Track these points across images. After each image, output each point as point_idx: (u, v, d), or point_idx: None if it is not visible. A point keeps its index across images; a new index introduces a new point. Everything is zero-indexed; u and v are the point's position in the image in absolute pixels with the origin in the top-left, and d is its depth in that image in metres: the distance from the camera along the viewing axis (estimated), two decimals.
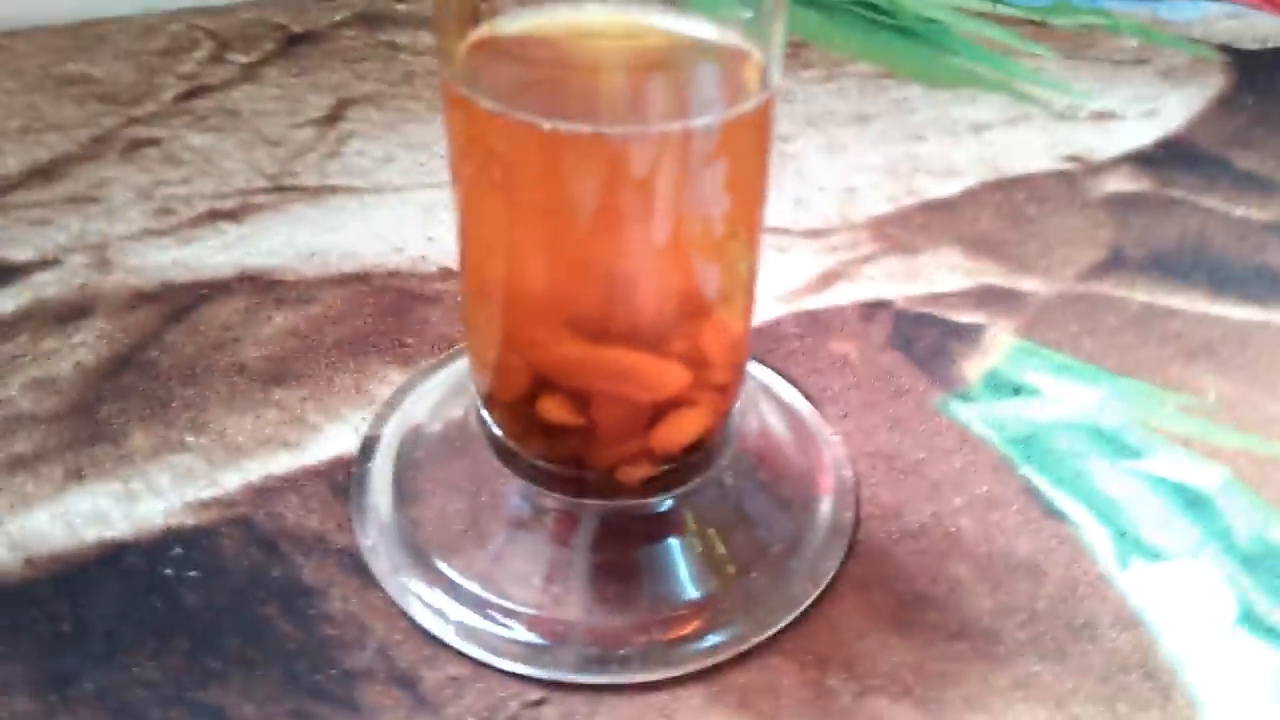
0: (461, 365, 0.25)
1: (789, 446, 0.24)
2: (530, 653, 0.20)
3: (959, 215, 0.33)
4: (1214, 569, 0.22)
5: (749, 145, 0.18)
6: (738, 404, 0.22)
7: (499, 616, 0.20)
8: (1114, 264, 0.31)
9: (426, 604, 0.20)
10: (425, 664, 0.20)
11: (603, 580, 0.21)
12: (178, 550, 0.21)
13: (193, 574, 0.21)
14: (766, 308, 0.29)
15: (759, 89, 0.18)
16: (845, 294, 0.29)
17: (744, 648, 0.20)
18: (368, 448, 0.23)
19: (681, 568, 0.21)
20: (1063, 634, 0.20)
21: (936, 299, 0.29)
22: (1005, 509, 0.23)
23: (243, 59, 0.37)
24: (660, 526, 0.21)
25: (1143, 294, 0.30)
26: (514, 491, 0.21)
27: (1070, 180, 0.35)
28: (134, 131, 0.33)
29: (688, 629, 0.20)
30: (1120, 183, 0.35)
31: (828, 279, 0.30)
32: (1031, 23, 0.46)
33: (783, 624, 0.20)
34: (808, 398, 0.26)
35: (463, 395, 0.24)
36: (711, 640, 0.20)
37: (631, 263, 0.18)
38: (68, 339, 0.26)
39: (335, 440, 0.24)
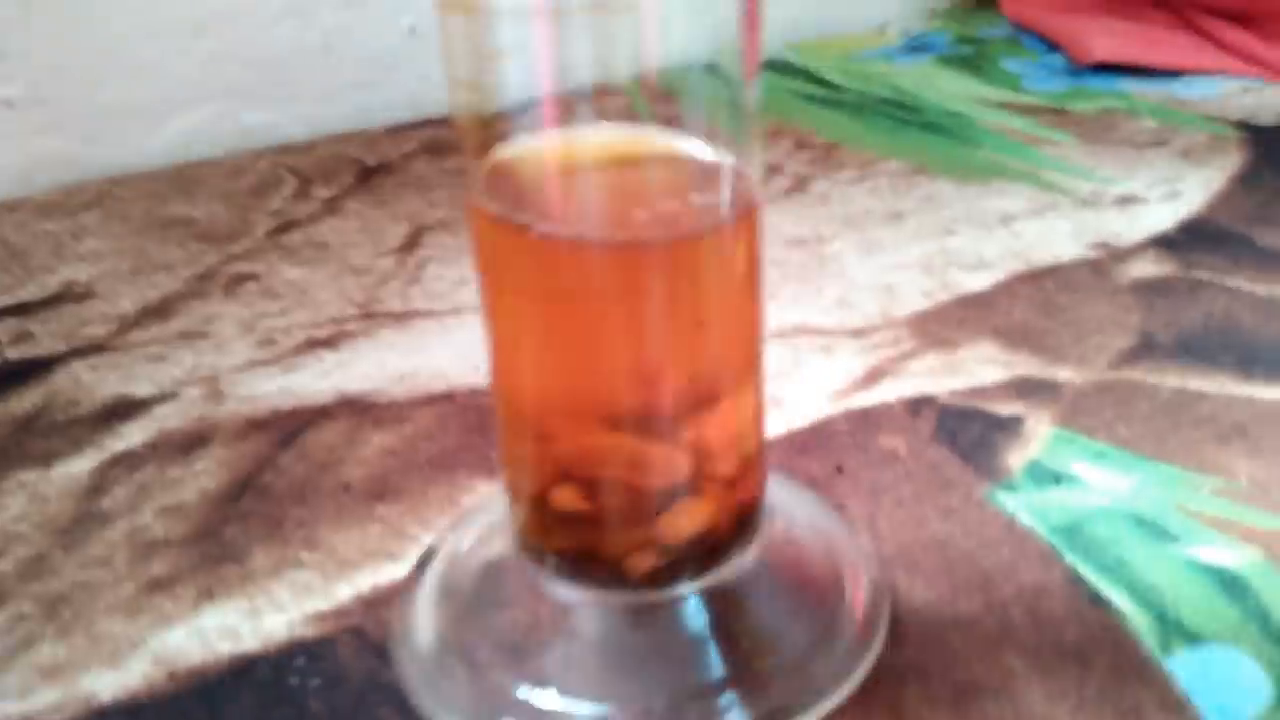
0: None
1: (816, 552, 0.26)
2: None
3: (993, 308, 0.35)
4: (1253, 651, 0.24)
5: (734, 252, 0.20)
6: (758, 507, 0.24)
7: (540, 711, 0.22)
8: (1144, 350, 0.33)
9: (461, 709, 0.22)
10: None
11: (626, 668, 0.22)
12: (301, 660, 0.24)
13: (315, 682, 0.23)
14: (817, 406, 0.31)
15: (742, 199, 0.20)
16: (891, 391, 0.31)
17: None
18: (422, 563, 0.25)
19: (707, 657, 0.22)
20: (1111, 719, 0.22)
21: (977, 392, 0.31)
22: (1052, 597, 0.25)
23: (325, 193, 0.41)
24: (675, 619, 0.23)
25: (1174, 379, 0.32)
26: (539, 586, 0.23)
27: (1098, 267, 0.37)
28: (233, 268, 0.37)
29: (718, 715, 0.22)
30: (1145, 267, 0.37)
31: (873, 376, 0.32)
32: (1052, 110, 0.48)
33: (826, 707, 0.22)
34: (838, 507, 0.28)
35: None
36: None
37: (628, 359, 0.20)
38: (190, 467, 0.29)
39: (481, 616, 0.26)
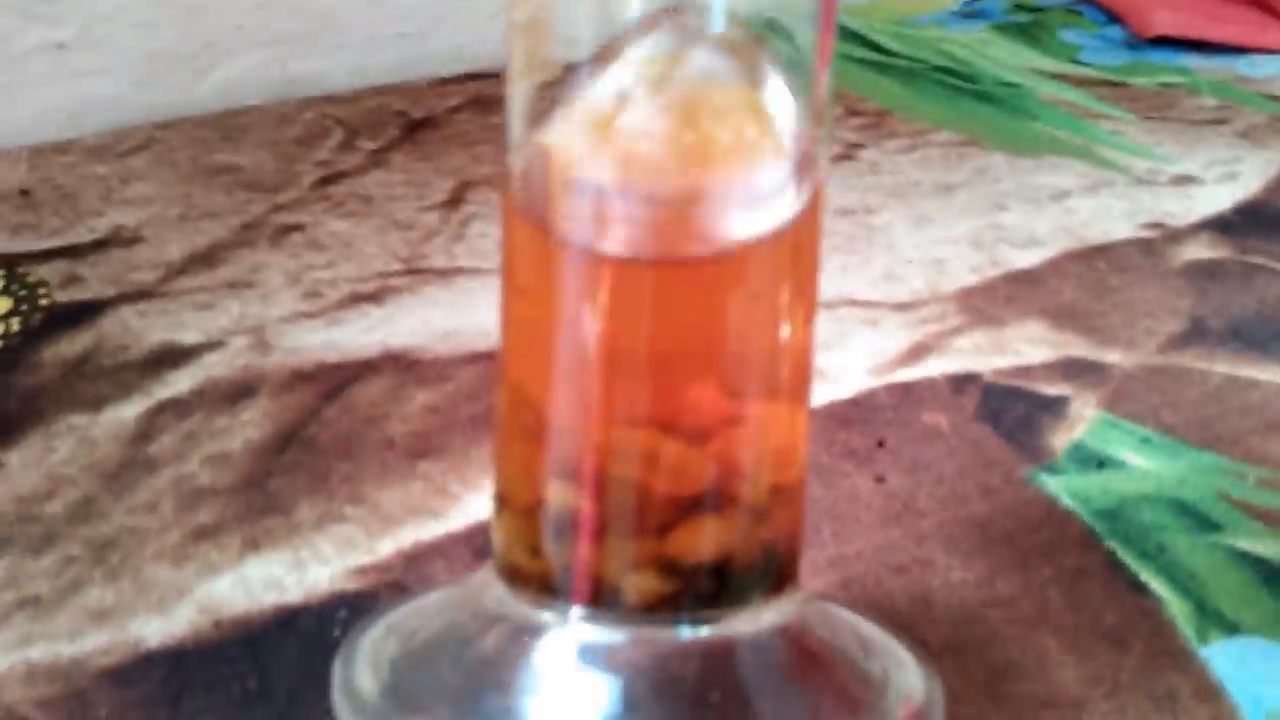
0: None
1: (854, 657, 0.22)
2: None
3: (1043, 286, 0.35)
4: None
5: (783, 261, 0.19)
6: (795, 556, 0.21)
7: None
8: (1194, 335, 0.33)
9: None
10: None
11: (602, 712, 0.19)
12: (343, 613, 0.24)
13: None
14: (861, 379, 0.31)
15: (803, 192, 0.18)
16: (935, 366, 0.31)
17: None
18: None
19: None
20: (1145, 705, 0.22)
21: (1023, 371, 0.31)
22: (1091, 581, 0.25)
23: (370, 145, 0.41)
24: (679, 663, 0.20)
25: (1223, 365, 0.31)
26: (518, 618, 0.20)
27: (1151, 248, 0.36)
28: (279, 218, 0.37)
29: None
30: (1199, 250, 0.36)
31: (918, 351, 0.32)
32: (1110, 84, 0.47)
33: None
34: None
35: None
36: None
37: (655, 365, 0.19)
38: (237, 417, 0.29)
39: (474, 508, 0.26)
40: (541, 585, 0.20)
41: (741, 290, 0.18)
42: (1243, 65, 0.49)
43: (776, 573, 0.20)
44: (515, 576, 0.20)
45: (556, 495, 0.19)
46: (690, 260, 0.18)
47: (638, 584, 0.19)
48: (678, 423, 0.19)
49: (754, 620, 0.20)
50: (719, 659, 0.20)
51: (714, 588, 0.19)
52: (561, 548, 0.19)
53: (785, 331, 0.19)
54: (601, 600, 0.19)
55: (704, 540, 0.19)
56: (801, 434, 0.20)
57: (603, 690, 0.20)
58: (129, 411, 0.29)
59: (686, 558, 0.19)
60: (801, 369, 0.20)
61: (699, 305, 0.18)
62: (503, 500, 0.21)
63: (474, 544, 0.25)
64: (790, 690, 0.21)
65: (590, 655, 0.20)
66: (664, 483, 0.19)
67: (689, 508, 0.19)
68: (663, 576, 0.19)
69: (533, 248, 0.19)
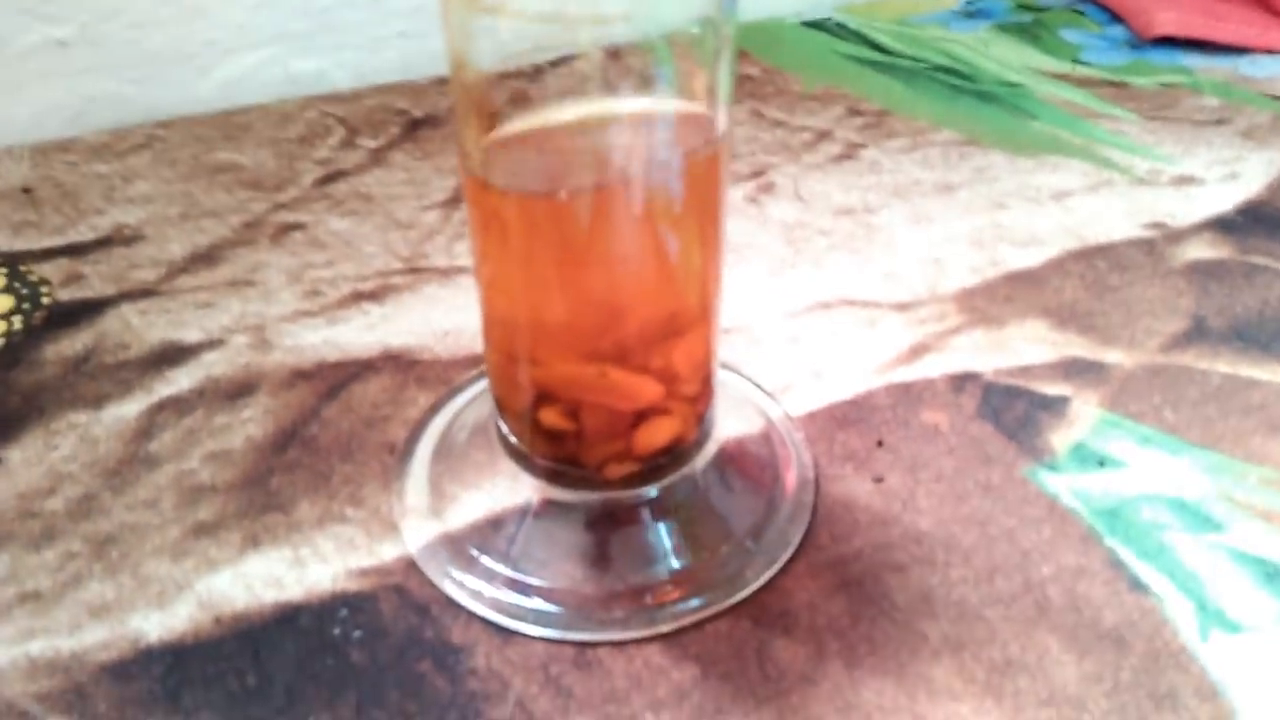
0: (481, 385, 0.30)
1: (757, 445, 0.29)
2: (556, 620, 0.24)
3: (1043, 286, 0.34)
4: None
5: (704, 191, 0.22)
6: (711, 410, 0.26)
7: (527, 594, 0.24)
8: (1196, 334, 0.32)
9: (467, 588, 0.25)
10: (558, 714, 0.22)
11: (603, 557, 0.25)
12: (344, 612, 0.24)
13: (357, 634, 0.24)
14: (860, 379, 0.31)
15: (710, 140, 0.22)
16: (935, 366, 0.31)
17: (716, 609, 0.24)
18: (407, 450, 0.28)
19: (668, 541, 0.26)
20: (1145, 704, 0.22)
21: (1024, 371, 0.31)
22: (1092, 580, 0.25)
23: (371, 144, 0.41)
24: (647, 513, 0.26)
25: (1225, 365, 0.31)
26: (525, 486, 0.26)
27: (1152, 248, 0.36)
28: (280, 216, 0.37)
29: (672, 595, 0.25)
30: (1201, 250, 0.36)
31: (917, 351, 0.32)
32: (1111, 83, 0.47)
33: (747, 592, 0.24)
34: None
35: (484, 404, 0.28)
36: (694, 603, 0.24)
37: (612, 298, 0.23)
38: (238, 414, 0.29)
39: (472, 508, 0.26)
40: (539, 470, 0.25)
41: (648, 217, 0.21)
42: (1245, 65, 0.49)
43: (706, 429, 0.26)
44: (518, 459, 0.26)
45: (545, 416, 0.24)
46: (613, 192, 0.21)
47: (615, 471, 0.25)
48: (627, 349, 0.23)
49: (694, 465, 0.26)
50: (676, 499, 0.26)
51: (669, 458, 0.25)
52: (553, 449, 0.25)
53: (701, 254, 0.23)
54: (587, 481, 0.25)
55: (661, 434, 0.25)
56: (716, 332, 0.25)
57: (584, 542, 0.25)
58: (130, 409, 0.29)
59: (650, 448, 0.25)
60: (717, 283, 0.24)
61: (628, 235, 0.21)
62: (501, 406, 0.25)
63: (474, 542, 0.25)
64: (725, 500, 0.27)
65: (575, 517, 0.25)
66: (623, 403, 0.24)
67: (646, 414, 0.24)
68: (633, 463, 0.25)
69: (481, 207, 0.22)
